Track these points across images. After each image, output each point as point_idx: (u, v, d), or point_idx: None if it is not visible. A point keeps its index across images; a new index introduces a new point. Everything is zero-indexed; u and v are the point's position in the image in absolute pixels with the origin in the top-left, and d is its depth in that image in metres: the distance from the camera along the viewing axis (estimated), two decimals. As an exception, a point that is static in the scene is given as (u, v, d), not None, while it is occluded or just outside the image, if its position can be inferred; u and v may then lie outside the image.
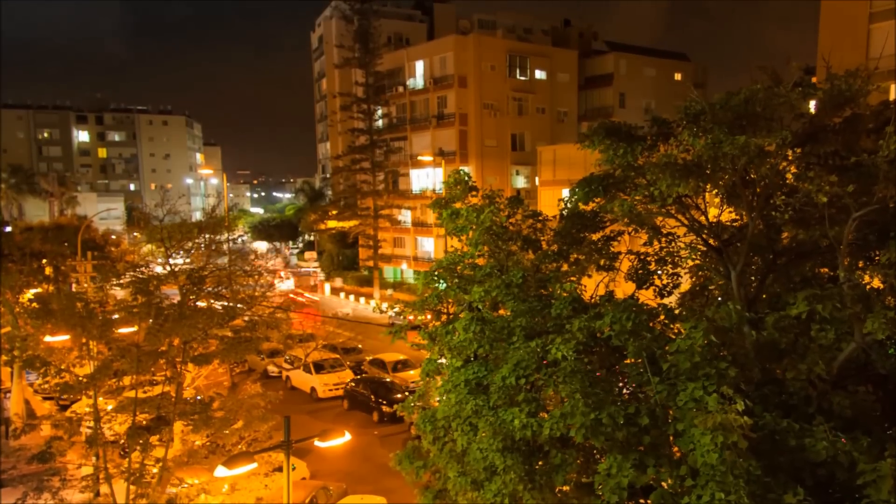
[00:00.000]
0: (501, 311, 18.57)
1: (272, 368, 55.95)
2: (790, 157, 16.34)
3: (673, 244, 19.11)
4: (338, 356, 55.33)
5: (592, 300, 18.28)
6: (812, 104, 17.31)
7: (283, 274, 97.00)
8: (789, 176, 16.54)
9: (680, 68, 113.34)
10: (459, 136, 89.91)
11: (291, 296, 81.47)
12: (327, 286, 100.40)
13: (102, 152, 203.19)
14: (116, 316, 26.05)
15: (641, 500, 14.56)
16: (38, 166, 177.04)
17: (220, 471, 18.88)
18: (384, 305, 23.08)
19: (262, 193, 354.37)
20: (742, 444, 11.82)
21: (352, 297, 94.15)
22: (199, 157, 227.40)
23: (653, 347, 15.40)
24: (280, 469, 24.05)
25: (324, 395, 50.46)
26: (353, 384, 48.70)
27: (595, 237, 18.68)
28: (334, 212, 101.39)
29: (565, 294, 18.34)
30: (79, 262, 45.92)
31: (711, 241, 17.82)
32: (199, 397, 27.33)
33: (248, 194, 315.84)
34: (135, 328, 25.38)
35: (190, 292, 25.54)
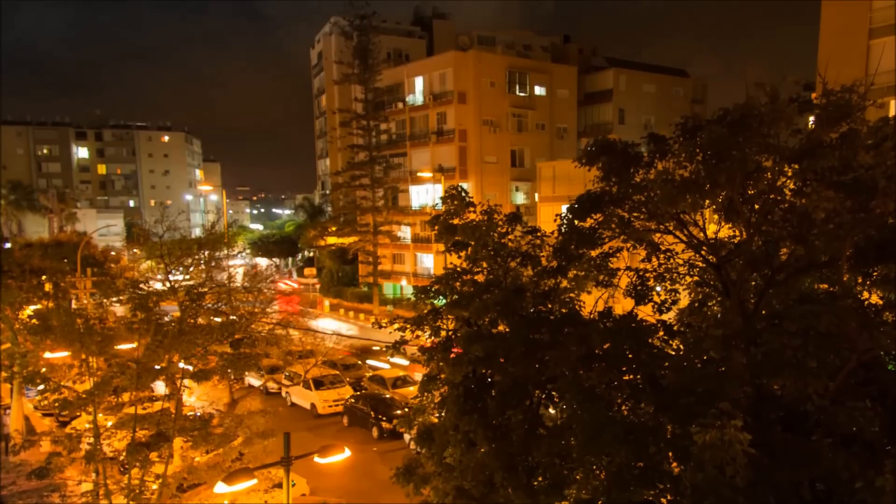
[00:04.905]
0: (501, 327, 18.59)
1: (272, 385, 55.83)
2: (788, 173, 16.39)
3: (671, 260, 19.13)
4: (337, 372, 55.31)
5: (591, 316, 18.30)
6: (810, 119, 17.38)
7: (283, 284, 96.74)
8: (787, 192, 16.58)
9: (679, 84, 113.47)
10: (459, 152, 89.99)
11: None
12: (326, 302, 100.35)
13: (102, 168, 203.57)
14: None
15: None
16: (37, 182, 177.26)
17: (220, 487, 18.87)
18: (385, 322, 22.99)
19: (262, 210, 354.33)
20: (741, 460, 11.83)
21: (351, 313, 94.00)
22: (198, 173, 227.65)
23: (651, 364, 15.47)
24: (280, 485, 24.00)
25: (323, 411, 50.42)
26: (353, 400, 48.66)
27: (594, 253, 18.70)
28: (334, 228, 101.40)
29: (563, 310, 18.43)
30: (78, 279, 46.03)
31: (710, 258, 17.84)
32: (198, 413, 27.31)
33: (248, 211, 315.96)
34: (134, 344, 25.38)
35: (189, 309, 25.54)
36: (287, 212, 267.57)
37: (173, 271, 26.23)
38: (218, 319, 27.31)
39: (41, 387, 25.37)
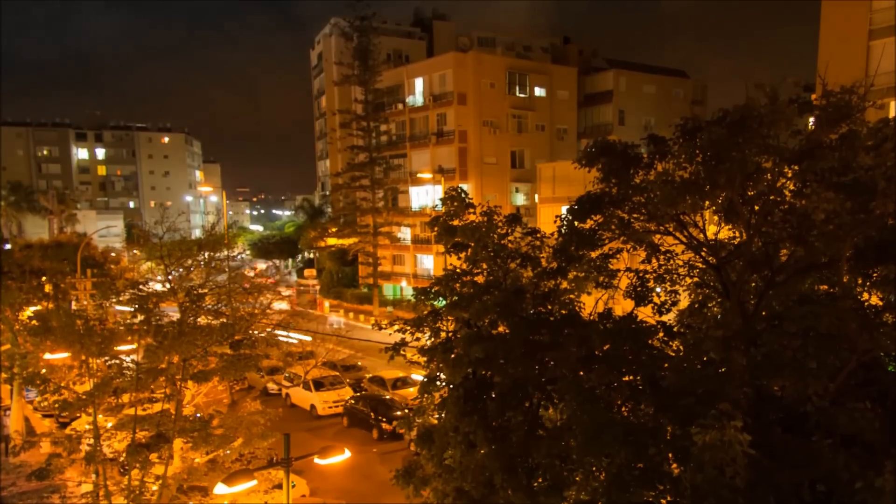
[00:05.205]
0: (501, 329, 18.57)
1: (272, 386, 55.86)
2: (788, 174, 16.39)
3: (671, 262, 19.12)
4: (337, 374, 55.31)
5: (591, 317, 18.30)
6: (810, 121, 17.39)
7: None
8: (787, 193, 16.58)
9: (679, 85, 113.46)
10: (459, 153, 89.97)
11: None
12: (326, 303, 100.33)
13: (102, 170, 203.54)
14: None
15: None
16: (37, 184, 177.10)
17: (220, 488, 18.88)
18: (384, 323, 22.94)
19: (262, 211, 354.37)
20: (741, 461, 11.83)
21: (351, 314, 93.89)
22: (198, 174, 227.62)
23: (651, 365, 15.47)
24: (280, 486, 24.01)
25: (323, 412, 50.51)
26: (353, 401, 48.71)
27: (594, 255, 18.69)
28: (334, 229, 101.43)
29: (563, 312, 18.40)
30: (78, 280, 45.98)
31: (710, 259, 17.84)
32: (198, 415, 27.30)
33: (248, 212, 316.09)
34: (134, 346, 25.37)
35: (189, 310, 25.51)
36: (287, 213, 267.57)
37: (173, 272, 26.24)
38: (217, 322, 27.29)
39: (41, 387, 25.37)
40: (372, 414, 45.89)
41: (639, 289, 19.27)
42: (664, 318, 18.94)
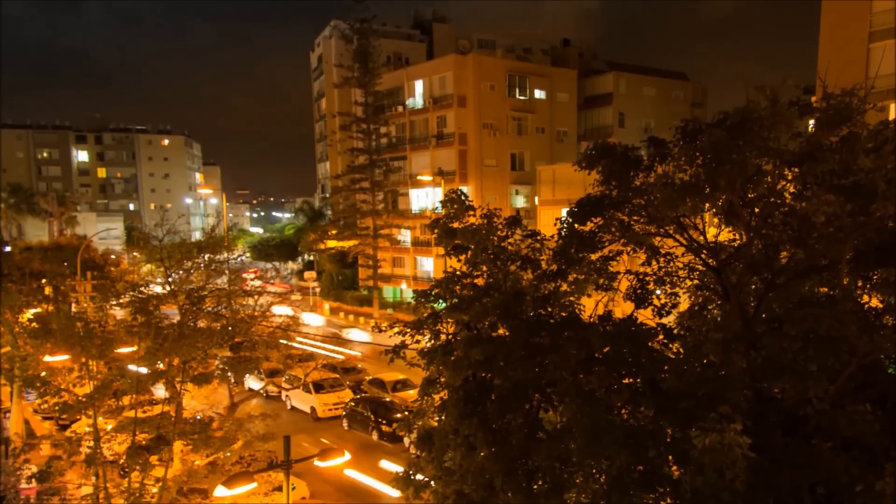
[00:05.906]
0: (501, 331, 18.56)
1: (272, 388, 55.90)
2: (788, 177, 16.37)
3: (671, 264, 19.10)
4: (337, 376, 55.29)
5: (591, 320, 18.28)
6: (811, 123, 17.38)
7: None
8: (787, 195, 16.57)
9: (679, 88, 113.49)
10: (459, 155, 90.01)
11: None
12: (326, 305, 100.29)
13: (102, 172, 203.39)
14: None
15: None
16: (37, 186, 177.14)
17: (220, 490, 18.90)
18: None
19: (262, 213, 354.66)
20: (741, 464, 11.82)
21: (351, 316, 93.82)
22: (198, 176, 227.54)
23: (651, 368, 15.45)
24: (280, 489, 24.02)
25: (323, 414, 50.47)
26: (353, 404, 48.67)
27: (594, 257, 18.67)
28: (334, 231, 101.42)
29: (563, 314, 18.39)
30: (78, 282, 45.94)
31: (710, 261, 17.83)
32: (198, 417, 27.30)
33: (248, 214, 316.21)
34: (134, 348, 25.37)
35: (189, 312, 25.51)
36: (287, 215, 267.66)
37: (173, 274, 26.24)
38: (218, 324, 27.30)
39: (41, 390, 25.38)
40: (372, 416, 45.85)
41: (639, 291, 19.26)
42: (664, 320, 18.93)
